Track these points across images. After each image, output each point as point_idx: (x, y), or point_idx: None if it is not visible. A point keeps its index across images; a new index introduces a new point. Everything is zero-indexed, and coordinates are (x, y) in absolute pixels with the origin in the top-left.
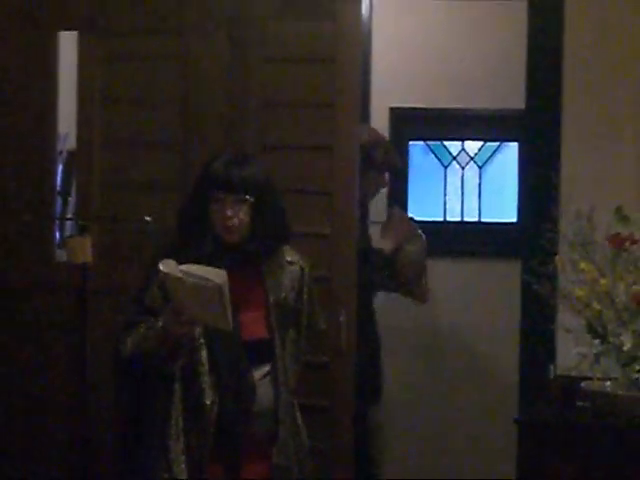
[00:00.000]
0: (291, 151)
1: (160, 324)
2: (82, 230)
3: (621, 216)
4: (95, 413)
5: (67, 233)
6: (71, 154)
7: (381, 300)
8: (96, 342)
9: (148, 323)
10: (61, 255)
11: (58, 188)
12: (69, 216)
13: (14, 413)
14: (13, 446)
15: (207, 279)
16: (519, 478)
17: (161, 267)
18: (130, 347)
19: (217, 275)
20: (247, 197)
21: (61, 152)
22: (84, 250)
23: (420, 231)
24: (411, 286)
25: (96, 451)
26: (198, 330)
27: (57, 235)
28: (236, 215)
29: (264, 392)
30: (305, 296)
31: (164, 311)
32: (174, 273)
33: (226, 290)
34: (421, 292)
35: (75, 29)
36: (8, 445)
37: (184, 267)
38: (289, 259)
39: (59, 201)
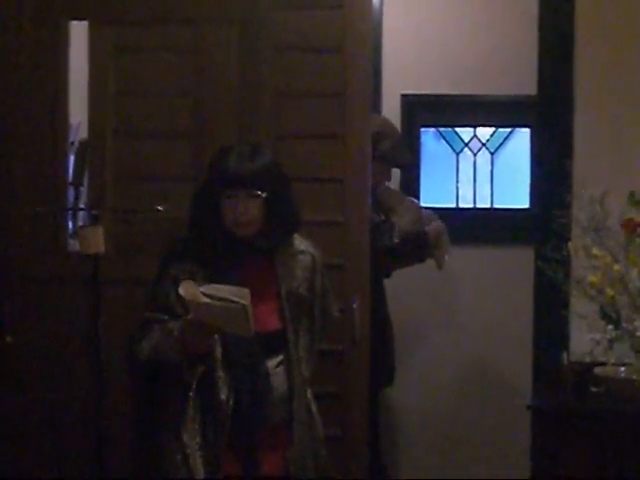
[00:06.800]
0: (303, 140)
1: (176, 333)
2: (94, 220)
3: (634, 201)
4: (109, 404)
5: (79, 223)
6: (83, 145)
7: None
8: (109, 332)
9: (163, 324)
10: (74, 245)
11: (70, 179)
12: (81, 206)
13: (27, 404)
14: (25, 436)
15: (232, 301)
16: (533, 463)
17: (182, 292)
18: (146, 352)
19: (241, 295)
20: (259, 193)
21: (73, 143)
22: (96, 240)
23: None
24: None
25: (111, 443)
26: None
27: (69, 225)
28: (248, 210)
29: (278, 381)
30: (317, 284)
31: (183, 322)
32: (197, 298)
33: (250, 309)
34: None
35: (86, 19)
36: (21, 435)
37: (204, 289)
38: (300, 248)
39: (71, 191)
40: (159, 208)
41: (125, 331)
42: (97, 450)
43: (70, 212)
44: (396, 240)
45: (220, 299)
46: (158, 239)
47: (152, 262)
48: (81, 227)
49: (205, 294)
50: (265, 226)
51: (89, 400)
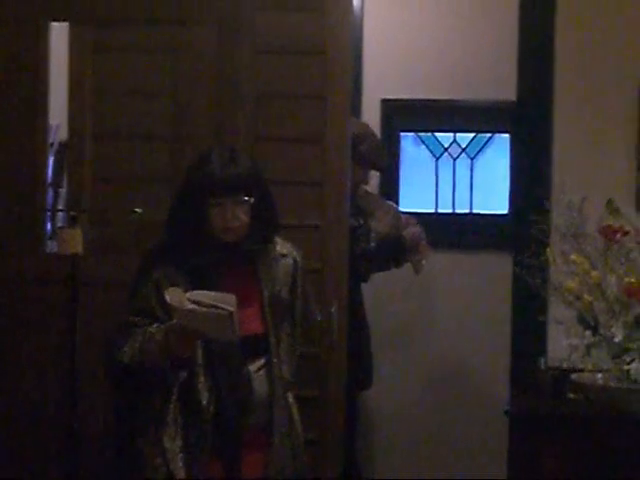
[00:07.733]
0: (282, 143)
1: (158, 337)
2: (73, 221)
3: (612, 208)
4: (85, 405)
5: (58, 224)
6: (62, 145)
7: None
8: (86, 333)
9: (144, 328)
10: (52, 246)
11: (49, 179)
12: (60, 207)
13: (2, 405)
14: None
15: (218, 307)
16: (510, 469)
17: (168, 299)
18: (129, 356)
19: (227, 301)
20: (247, 198)
21: (52, 143)
22: (75, 241)
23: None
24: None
25: (87, 445)
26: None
27: (48, 226)
28: (237, 216)
29: (259, 385)
30: (299, 288)
31: (167, 327)
32: (183, 304)
33: (236, 315)
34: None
35: (66, 20)
36: None
37: (190, 295)
38: (282, 251)
39: (50, 192)
40: (137, 210)
41: (103, 332)
42: (73, 452)
43: (49, 213)
44: (373, 244)
45: (206, 305)
46: (136, 241)
47: (130, 264)
48: (60, 228)
49: (191, 300)
50: (250, 230)
51: (65, 402)
